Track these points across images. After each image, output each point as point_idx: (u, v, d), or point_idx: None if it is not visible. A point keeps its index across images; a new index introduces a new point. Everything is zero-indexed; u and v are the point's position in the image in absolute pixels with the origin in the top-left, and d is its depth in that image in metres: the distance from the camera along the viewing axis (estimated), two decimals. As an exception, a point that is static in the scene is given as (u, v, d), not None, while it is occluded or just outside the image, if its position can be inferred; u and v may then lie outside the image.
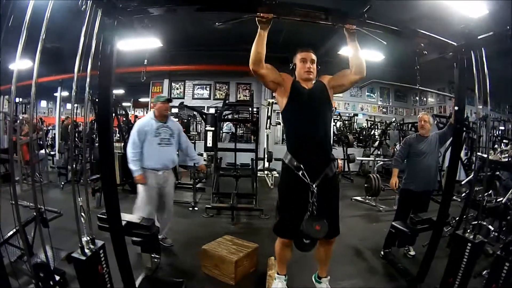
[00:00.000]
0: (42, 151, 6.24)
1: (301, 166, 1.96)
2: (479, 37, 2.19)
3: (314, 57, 2.14)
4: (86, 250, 1.76)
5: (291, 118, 2.10)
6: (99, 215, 2.31)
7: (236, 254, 2.74)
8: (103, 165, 2.10)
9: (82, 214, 1.81)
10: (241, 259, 2.72)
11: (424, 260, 2.69)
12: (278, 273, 2.47)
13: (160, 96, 3.31)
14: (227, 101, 6.75)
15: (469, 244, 2.18)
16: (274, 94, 2.21)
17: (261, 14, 1.80)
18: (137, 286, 2.11)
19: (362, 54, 2.06)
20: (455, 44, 2.35)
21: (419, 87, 3.65)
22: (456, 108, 2.58)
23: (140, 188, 3.17)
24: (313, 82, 2.15)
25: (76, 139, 6.22)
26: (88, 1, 1.71)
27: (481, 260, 3.11)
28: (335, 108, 8.99)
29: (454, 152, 2.77)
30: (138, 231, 2.18)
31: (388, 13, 3.86)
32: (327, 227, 1.90)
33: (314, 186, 1.94)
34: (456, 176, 3.87)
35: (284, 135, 2.39)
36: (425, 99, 9.94)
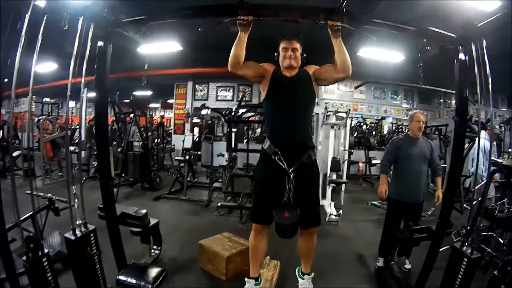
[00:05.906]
0: (66, 149, 6.63)
1: (278, 151, 1.97)
2: (478, 25, 2.03)
3: (296, 45, 2.12)
4: (77, 232, 1.93)
5: (271, 105, 2.10)
6: (99, 206, 2.51)
7: (229, 251, 2.80)
8: (100, 161, 2.29)
9: (76, 200, 1.99)
10: (233, 255, 2.77)
11: (422, 272, 2.53)
12: (248, 276, 2.31)
13: None
14: (242, 103, 6.84)
15: (465, 260, 2.00)
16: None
17: (241, 17, 1.86)
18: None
19: (346, 52, 1.97)
20: (454, 36, 2.22)
21: (422, 85, 3.47)
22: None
23: None
24: (297, 70, 2.13)
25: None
26: (79, 18, 1.89)
27: (489, 275, 2.90)
28: (350, 109, 8.72)
29: (455, 152, 2.44)
30: (131, 221, 2.33)
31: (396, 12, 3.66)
32: (297, 215, 1.87)
33: (290, 171, 1.93)
34: (460, 180, 3.55)
35: (265, 123, 2.37)
36: (449, 101, 9.40)
